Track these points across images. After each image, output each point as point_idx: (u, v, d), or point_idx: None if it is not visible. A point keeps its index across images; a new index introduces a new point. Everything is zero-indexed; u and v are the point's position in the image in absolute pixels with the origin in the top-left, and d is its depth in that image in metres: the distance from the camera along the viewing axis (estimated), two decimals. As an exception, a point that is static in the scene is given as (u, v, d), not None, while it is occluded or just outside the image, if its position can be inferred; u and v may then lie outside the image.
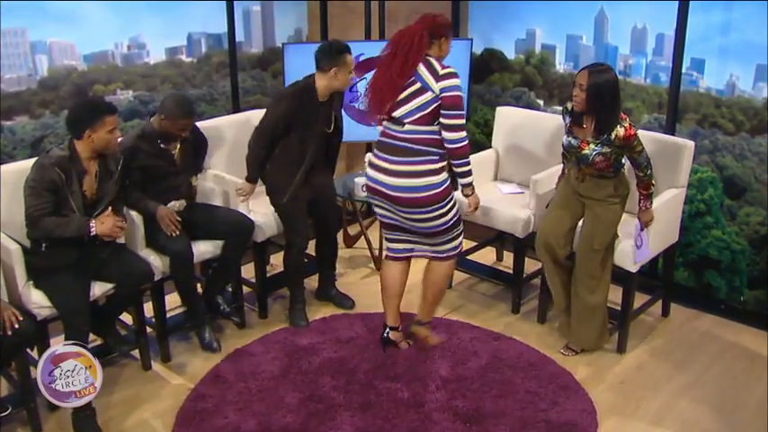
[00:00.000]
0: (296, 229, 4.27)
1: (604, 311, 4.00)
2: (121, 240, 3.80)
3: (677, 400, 3.72)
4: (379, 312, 4.42)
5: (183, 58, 5.28)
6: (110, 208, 3.64)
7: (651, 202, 3.82)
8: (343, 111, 5.19)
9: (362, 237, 5.19)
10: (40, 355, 3.68)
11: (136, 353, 4.00)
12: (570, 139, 3.78)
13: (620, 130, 3.57)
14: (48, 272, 3.52)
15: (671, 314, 4.48)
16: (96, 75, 4.82)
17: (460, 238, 3.92)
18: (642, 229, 3.84)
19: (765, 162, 4.28)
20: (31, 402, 3.47)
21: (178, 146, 4.03)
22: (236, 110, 5.37)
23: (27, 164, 3.77)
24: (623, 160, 3.77)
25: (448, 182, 3.70)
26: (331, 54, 4.05)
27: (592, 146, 3.67)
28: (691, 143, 4.11)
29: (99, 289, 3.65)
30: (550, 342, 4.17)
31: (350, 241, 5.29)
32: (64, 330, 3.47)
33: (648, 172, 3.72)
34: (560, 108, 4.13)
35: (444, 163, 3.70)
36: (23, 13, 4.31)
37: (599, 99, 3.55)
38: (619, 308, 4.12)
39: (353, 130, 5.34)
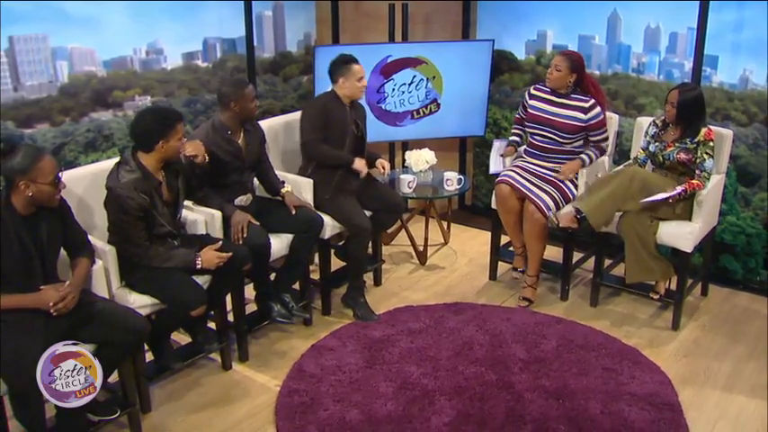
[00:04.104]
0: (353, 215, 4.38)
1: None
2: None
3: (741, 368, 4.00)
4: (438, 304, 4.59)
5: (199, 63, 5.29)
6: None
7: (680, 200, 4.20)
8: (368, 110, 5.33)
9: (400, 233, 5.31)
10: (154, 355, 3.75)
11: (213, 355, 3.99)
12: (656, 144, 4.37)
13: (704, 130, 4.24)
14: (146, 273, 3.51)
15: (709, 293, 4.79)
16: (115, 80, 4.79)
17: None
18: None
19: (780, 150, 4.65)
20: (134, 405, 3.45)
21: (241, 135, 4.10)
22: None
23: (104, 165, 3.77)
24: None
25: None
26: (337, 64, 4.47)
27: (677, 144, 4.28)
28: (730, 132, 4.43)
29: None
30: (607, 324, 4.40)
31: (387, 239, 5.38)
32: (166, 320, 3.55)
33: (706, 176, 4.23)
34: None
35: None
36: (45, 19, 4.28)
37: (686, 112, 4.21)
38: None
39: (379, 130, 5.45)
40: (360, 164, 4.44)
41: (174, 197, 3.61)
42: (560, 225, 4.40)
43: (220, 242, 3.67)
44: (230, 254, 3.61)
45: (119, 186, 3.37)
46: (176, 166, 3.64)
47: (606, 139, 4.64)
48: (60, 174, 3.03)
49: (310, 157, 4.44)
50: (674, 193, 4.14)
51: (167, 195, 3.56)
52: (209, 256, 3.55)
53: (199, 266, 3.53)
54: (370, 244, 4.64)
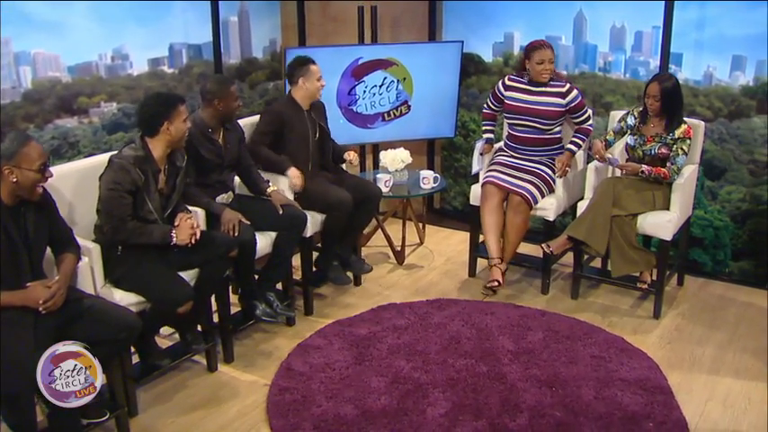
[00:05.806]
0: (331, 192, 4.37)
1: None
2: None
3: (723, 353, 4.07)
4: (421, 301, 4.56)
5: (165, 69, 5.21)
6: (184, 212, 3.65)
7: (644, 178, 4.34)
8: (339, 113, 5.32)
9: (375, 234, 5.30)
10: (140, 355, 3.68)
11: (197, 357, 3.90)
12: (635, 137, 4.43)
13: (683, 126, 4.32)
14: (130, 269, 3.41)
15: (685, 283, 4.88)
16: (81, 86, 4.69)
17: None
18: (615, 162, 4.42)
19: (744, 144, 4.76)
20: (123, 407, 3.35)
21: (221, 134, 4.06)
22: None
23: (88, 162, 3.68)
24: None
25: None
26: (295, 66, 4.47)
27: (657, 139, 4.34)
28: (701, 123, 4.53)
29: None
30: (590, 315, 4.44)
31: (363, 239, 5.33)
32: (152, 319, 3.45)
33: (675, 170, 4.31)
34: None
35: None
36: (7, 22, 4.16)
37: (671, 100, 4.27)
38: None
39: (350, 133, 5.44)
40: (293, 173, 4.32)
41: (169, 191, 3.55)
42: (554, 253, 4.47)
43: (192, 215, 3.63)
44: (193, 217, 3.61)
45: (118, 157, 3.37)
46: (178, 162, 3.61)
47: (589, 118, 4.68)
48: (48, 162, 2.94)
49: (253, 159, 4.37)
50: (643, 168, 4.28)
51: (163, 186, 3.50)
52: (183, 227, 3.48)
53: (174, 242, 3.44)
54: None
